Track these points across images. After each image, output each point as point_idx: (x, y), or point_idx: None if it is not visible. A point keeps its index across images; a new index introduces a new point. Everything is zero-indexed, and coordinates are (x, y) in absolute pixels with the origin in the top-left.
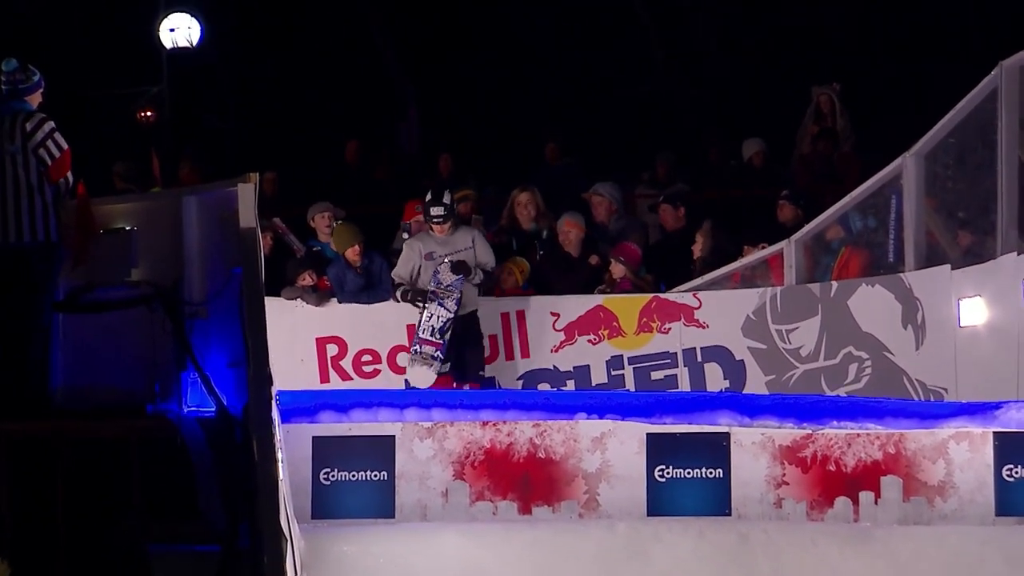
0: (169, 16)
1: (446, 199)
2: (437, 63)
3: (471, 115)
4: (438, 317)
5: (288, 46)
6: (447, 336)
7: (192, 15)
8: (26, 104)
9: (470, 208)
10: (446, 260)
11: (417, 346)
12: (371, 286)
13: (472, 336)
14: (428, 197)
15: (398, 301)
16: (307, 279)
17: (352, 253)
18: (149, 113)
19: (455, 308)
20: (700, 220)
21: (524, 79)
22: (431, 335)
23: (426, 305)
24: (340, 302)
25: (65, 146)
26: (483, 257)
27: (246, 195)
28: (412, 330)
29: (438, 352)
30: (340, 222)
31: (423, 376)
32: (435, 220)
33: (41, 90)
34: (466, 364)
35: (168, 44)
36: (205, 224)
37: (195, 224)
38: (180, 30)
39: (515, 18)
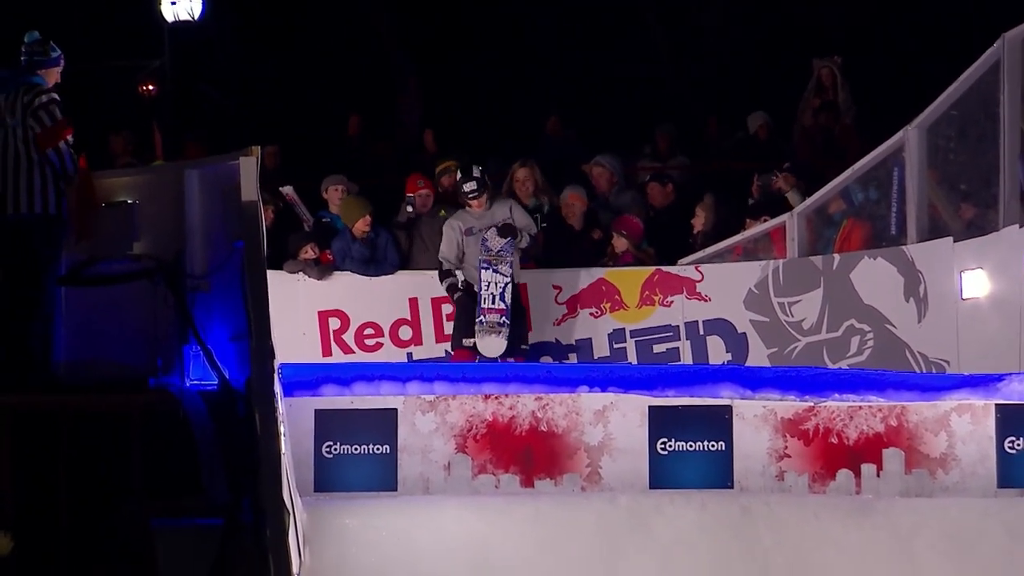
0: None
1: (475, 172)
2: (438, 35)
3: (472, 89)
4: (496, 284)
5: (289, 21)
6: (508, 301)
7: None
8: (38, 78)
9: (453, 180)
10: (492, 227)
11: (481, 317)
12: (375, 260)
13: (515, 308)
14: (459, 176)
15: (446, 290)
16: (309, 252)
17: (363, 224)
18: (151, 87)
19: (510, 271)
20: (701, 194)
21: (526, 55)
22: (493, 303)
23: (481, 274)
24: (343, 269)
25: (59, 117)
26: (523, 224)
27: (248, 168)
28: (415, 303)
29: (503, 318)
30: (349, 195)
31: (494, 345)
32: (470, 196)
33: (59, 68)
34: (510, 337)
35: (170, 18)
36: (207, 197)
37: (197, 197)
38: (181, 3)
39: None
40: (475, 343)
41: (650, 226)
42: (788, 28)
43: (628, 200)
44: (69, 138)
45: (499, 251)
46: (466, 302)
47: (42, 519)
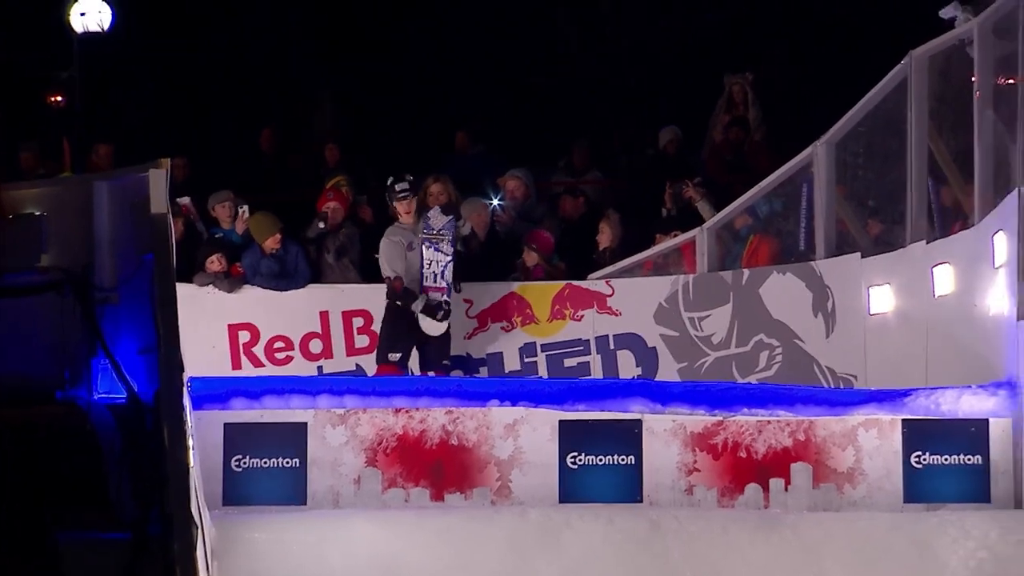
0: (79, 0)
1: (408, 177)
2: (351, 50)
3: (383, 104)
4: (437, 262)
5: (201, 33)
6: (449, 279)
7: None
8: None
9: (346, 194)
10: (436, 207)
11: (423, 295)
12: (286, 274)
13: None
14: (389, 180)
15: (393, 301)
16: (215, 263)
17: (272, 242)
18: (59, 98)
19: (451, 250)
20: (610, 208)
21: (437, 69)
22: (434, 280)
23: (423, 252)
24: (253, 284)
25: None
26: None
27: (158, 181)
28: (325, 317)
29: (444, 296)
30: (258, 212)
31: (434, 326)
32: (400, 195)
33: None
34: (429, 353)
35: (79, 28)
36: (116, 209)
37: (106, 209)
38: (91, 14)
39: (430, 10)
40: (400, 357)
41: (562, 240)
42: (701, 45)
43: (540, 214)
44: None
45: (440, 229)
46: (396, 318)
47: None
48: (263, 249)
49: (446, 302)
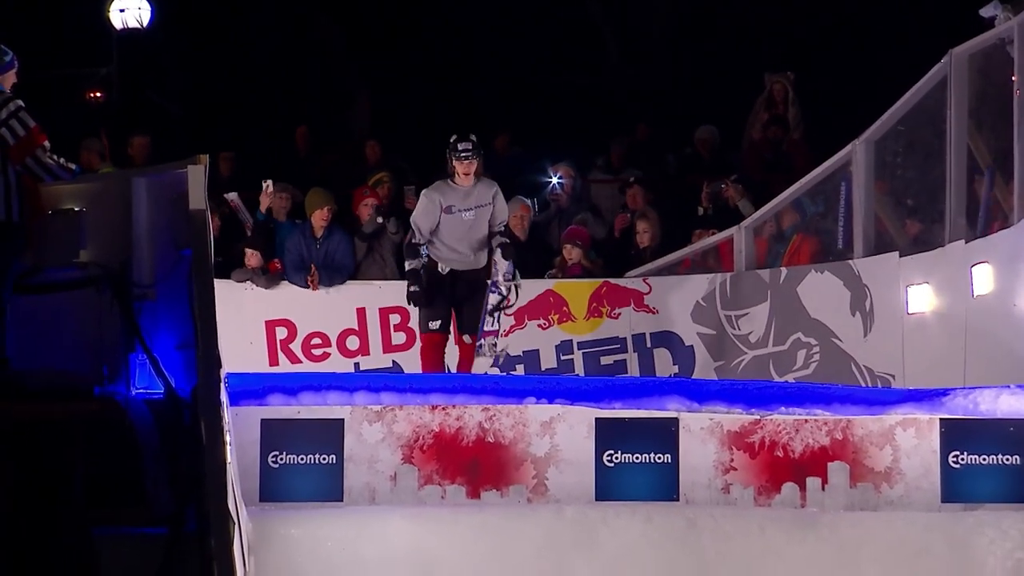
0: None
1: (472, 137)
2: (387, 47)
3: (421, 104)
4: (493, 304)
5: (239, 29)
6: (500, 322)
7: None
8: None
9: (387, 192)
10: (497, 248)
11: (482, 339)
12: (329, 265)
13: (482, 295)
14: (452, 138)
15: (410, 259)
16: (253, 259)
17: (320, 216)
18: (98, 94)
19: (507, 293)
20: (652, 205)
21: (476, 68)
22: (491, 325)
23: (490, 297)
24: (290, 282)
25: (31, 124)
26: (501, 215)
27: (196, 177)
28: (362, 314)
29: (495, 340)
30: (315, 188)
31: (482, 366)
32: (463, 155)
33: (14, 70)
34: (463, 318)
35: (118, 25)
36: (155, 205)
37: (145, 205)
38: (130, 11)
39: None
40: (440, 324)
41: (608, 236)
42: (740, 43)
43: (583, 211)
44: (46, 143)
45: (504, 273)
46: (428, 282)
47: None
48: (313, 226)
49: (494, 344)
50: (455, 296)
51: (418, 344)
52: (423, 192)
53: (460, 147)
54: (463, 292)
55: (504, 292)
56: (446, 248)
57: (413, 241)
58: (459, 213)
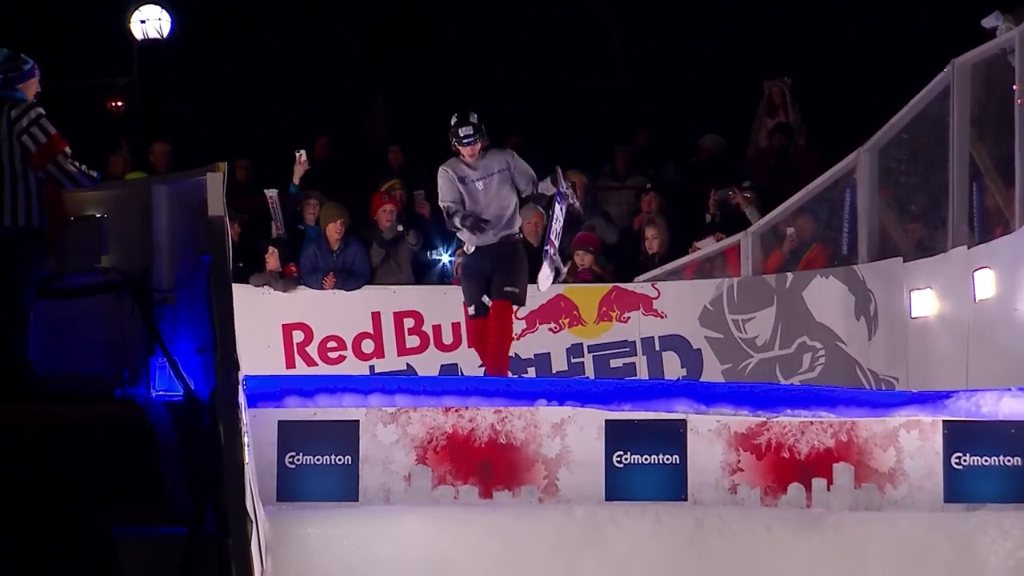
0: (140, 8)
1: (473, 118)
2: (402, 54)
3: (436, 109)
4: (559, 220)
5: (257, 37)
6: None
7: (162, 7)
8: (18, 93)
9: (401, 198)
10: (556, 168)
11: (548, 247)
12: (346, 272)
13: (517, 258)
14: (454, 120)
15: (456, 229)
16: (272, 259)
17: (335, 228)
18: (119, 103)
19: (569, 194)
20: (660, 212)
21: (484, 74)
22: (556, 237)
23: (555, 208)
24: (307, 285)
25: (52, 132)
26: (525, 176)
27: (215, 184)
28: (377, 317)
29: (555, 252)
30: (329, 202)
31: (546, 277)
32: (465, 141)
33: (35, 78)
34: (492, 285)
35: (139, 35)
36: (174, 212)
37: (165, 212)
38: (150, 21)
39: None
40: (475, 308)
41: (622, 239)
42: (741, 52)
43: (593, 217)
44: (67, 150)
45: (561, 184)
46: (463, 270)
47: (7, 528)
48: (328, 240)
49: (554, 255)
50: (486, 273)
51: (431, 347)
52: (439, 171)
53: (461, 133)
54: (493, 264)
55: (569, 195)
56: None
57: (454, 216)
58: (473, 183)
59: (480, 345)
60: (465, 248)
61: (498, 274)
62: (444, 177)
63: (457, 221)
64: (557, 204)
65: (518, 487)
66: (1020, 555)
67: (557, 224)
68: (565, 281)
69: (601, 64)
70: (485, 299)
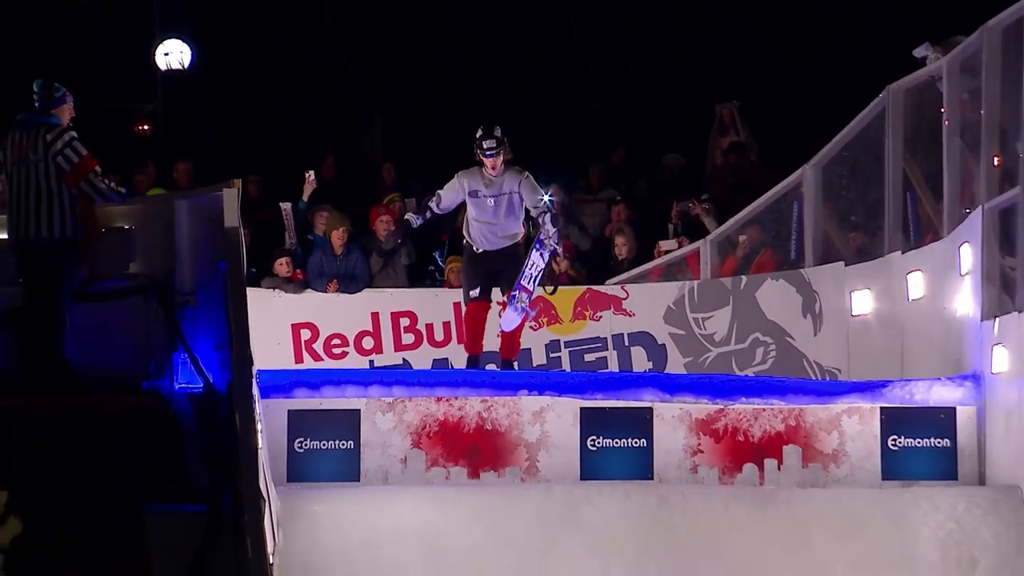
0: (164, 42)
1: (496, 132)
2: (399, 85)
3: (429, 129)
4: (536, 266)
5: (269, 68)
6: (534, 287)
7: (184, 41)
8: (54, 118)
9: (399, 209)
10: (550, 198)
11: (516, 291)
12: (348, 276)
13: (513, 264)
14: (479, 133)
15: (423, 210)
16: (283, 267)
17: (338, 235)
18: (145, 127)
19: (547, 260)
20: (628, 222)
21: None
22: (528, 283)
23: (533, 254)
24: (313, 288)
25: (84, 152)
26: (533, 197)
27: (230, 199)
28: (376, 317)
29: (527, 298)
30: (334, 211)
31: (511, 320)
32: (488, 153)
33: (67, 104)
34: (502, 282)
35: (163, 67)
36: (194, 224)
37: (186, 224)
38: (173, 54)
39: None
40: (479, 291)
41: (594, 247)
42: (698, 79)
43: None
44: (97, 168)
45: (550, 233)
46: (466, 260)
47: (49, 505)
48: (332, 245)
49: (526, 304)
50: (492, 268)
51: (425, 344)
52: (457, 173)
53: (485, 145)
54: (500, 263)
55: (551, 242)
56: (478, 226)
57: (429, 203)
58: (483, 198)
59: (477, 326)
60: (475, 248)
61: (507, 272)
62: (455, 181)
63: (423, 207)
64: (535, 251)
65: (503, 468)
66: (949, 527)
67: (533, 270)
68: (543, 284)
69: (578, 89)
70: (496, 292)
